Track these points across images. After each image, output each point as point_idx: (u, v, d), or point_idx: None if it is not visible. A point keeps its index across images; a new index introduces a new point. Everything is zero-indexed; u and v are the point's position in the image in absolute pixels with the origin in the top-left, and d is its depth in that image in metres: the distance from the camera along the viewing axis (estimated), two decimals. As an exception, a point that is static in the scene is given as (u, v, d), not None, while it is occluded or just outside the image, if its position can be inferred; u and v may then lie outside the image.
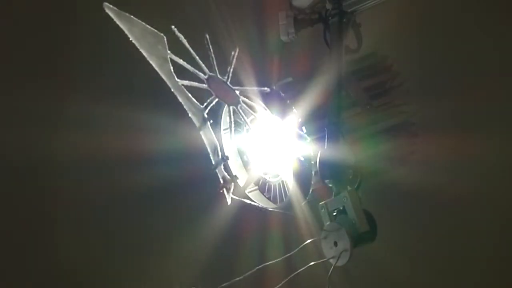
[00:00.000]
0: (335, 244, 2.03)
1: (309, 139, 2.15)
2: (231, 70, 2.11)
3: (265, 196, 2.35)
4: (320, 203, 2.11)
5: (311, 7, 2.33)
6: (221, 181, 2.09)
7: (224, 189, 2.08)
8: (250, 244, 3.06)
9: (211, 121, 2.10)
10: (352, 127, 2.20)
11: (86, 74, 3.18)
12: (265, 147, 2.28)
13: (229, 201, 2.09)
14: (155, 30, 1.97)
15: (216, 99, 2.10)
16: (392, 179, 2.34)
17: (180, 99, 2.04)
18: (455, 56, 3.03)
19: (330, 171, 2.10)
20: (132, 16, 1.94)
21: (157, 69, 2.00)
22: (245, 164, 2.38)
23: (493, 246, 3.04)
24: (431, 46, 3.04)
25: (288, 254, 2.09)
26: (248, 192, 2.35)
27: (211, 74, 2.09)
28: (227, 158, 2.11)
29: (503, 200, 2.99)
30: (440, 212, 3.05)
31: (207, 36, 2.05)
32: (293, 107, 2.17)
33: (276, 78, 2.35)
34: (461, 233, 3.02)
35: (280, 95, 2.21)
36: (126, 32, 1.93)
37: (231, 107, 2.14)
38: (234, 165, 2.37)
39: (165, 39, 2.00)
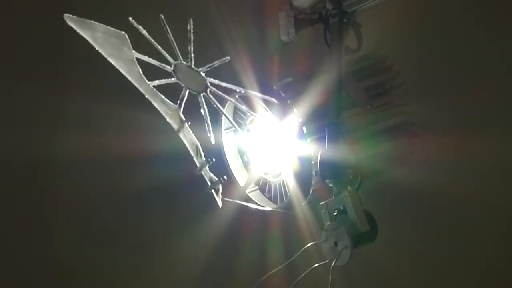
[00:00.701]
0: (336, 244, 2.03)
1: (309, 139, 2.15)
2: (192, 49, 1.98)
3: (265, 196, 2.35)
4: (321, 203, 2.11)
5: (311, 7, 2.33)
6: (208, 183, 2.05)
7: (213, 191, 2.05)
8: (251, 243, 3.06)
9: (189, 123, 2.05)
10: (352, 127, 2.20)
11: (86, 74, 3.18)
12: (266, 147, 2.28)
13: (220, 203, 2.06)
14: (116, 30, 1.89)
15: (187, 91, 2.00)
16: (392, 179, 2.34)
17: (155, 104, 1.96)
18: (455, 56, 3.03)
19: (330, 171, 2.10)
20: (92, 21, 1.88)
21: (126, 75, 1.92)
22: (245, 164, 2.38)
23: (493, 246, 3.04)
24: (431, 46, 3.04)
25: (289, 260, 2.09)
26: (249, 192, 2.35)
27: (175, 62, 1.99)
28: (212, 159, 2.07)
29: (503, 200, 2.99)
30: (440, 212, 3.05)
31: (162, 16, 1.94)
32: (294, 107, 2.17)
33: (276, 78, 2.35)
34: (461, 233, 3.03)
35: (280, 95, 2.21)
36: (91, 41, 1.86)
37: (201, 95, 2.02)
38: (234, 165, 2.38)
39: (127, 36, 1.90)
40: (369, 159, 2.19)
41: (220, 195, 2.04)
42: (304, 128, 2.16)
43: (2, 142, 3.10)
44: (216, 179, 2.03)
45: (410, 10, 2.78)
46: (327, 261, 2.03)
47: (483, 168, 2.96)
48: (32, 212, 3.20)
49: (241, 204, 2.16)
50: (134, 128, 3.10)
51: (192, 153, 2.02)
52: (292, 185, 2.18)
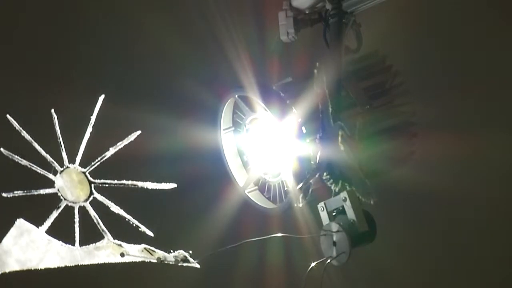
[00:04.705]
0: (334, 244, 2.03)
1: (308, 139, 2.15)
2: (97, 163, 2.07)
3: (264, 196, 2.35)
4: (320, 203, 2.11)
5: (311, 8, 2.33)
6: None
7: (182, 263, 2.11)
8: (251, 244, 3.06)
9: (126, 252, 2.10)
10: (352, 127, 2.20)
11: (86, 74, 3.18)
12: (265, 147, 2.28)
13: (197, 265, 2.11)
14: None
15: (93, 211, 2.06)
16: (392, 179, 2.34)
17: (97, 260, 2.07)
18: (455, 56, 3.03)
19: (329, 171, 2.10)
20: None
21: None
22: (244, 164, 2.38)
23: (493, 246, 3.04)
24: (431, 46, 3.05)
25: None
26: (248, 192, 2.35)
27: (62, 168, 2.02)
28: (164, 257, 2.13)
29: (503, 200, 2.99)
30: (440, 212, 3.05)
31: (55, 118, 1.95)
32: (293, 107, 2.17)
33: (276, 78, 2.35)
34: (461, 233, 3.03)
35: (280, 95, 2.21)
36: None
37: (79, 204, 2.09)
38: (234, 165, 2.38)
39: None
40: (369, 159, 2.19)
41: (192, 260, 2.08)
42: (303, 128, 2.16)
43: (2, 143, 3.10)
44: (179, 254, 2.08)
45: (409, 10, 2.78)
46: (326, 264, 2.02)
47: (483, 168, 2.96)
48: (32, 211, 3.19)
49: (246, 205, 2.18)
50: (134, 128, 3.09)
51: (145, 257, 2.06)
52: (291, 185, 2.18)
